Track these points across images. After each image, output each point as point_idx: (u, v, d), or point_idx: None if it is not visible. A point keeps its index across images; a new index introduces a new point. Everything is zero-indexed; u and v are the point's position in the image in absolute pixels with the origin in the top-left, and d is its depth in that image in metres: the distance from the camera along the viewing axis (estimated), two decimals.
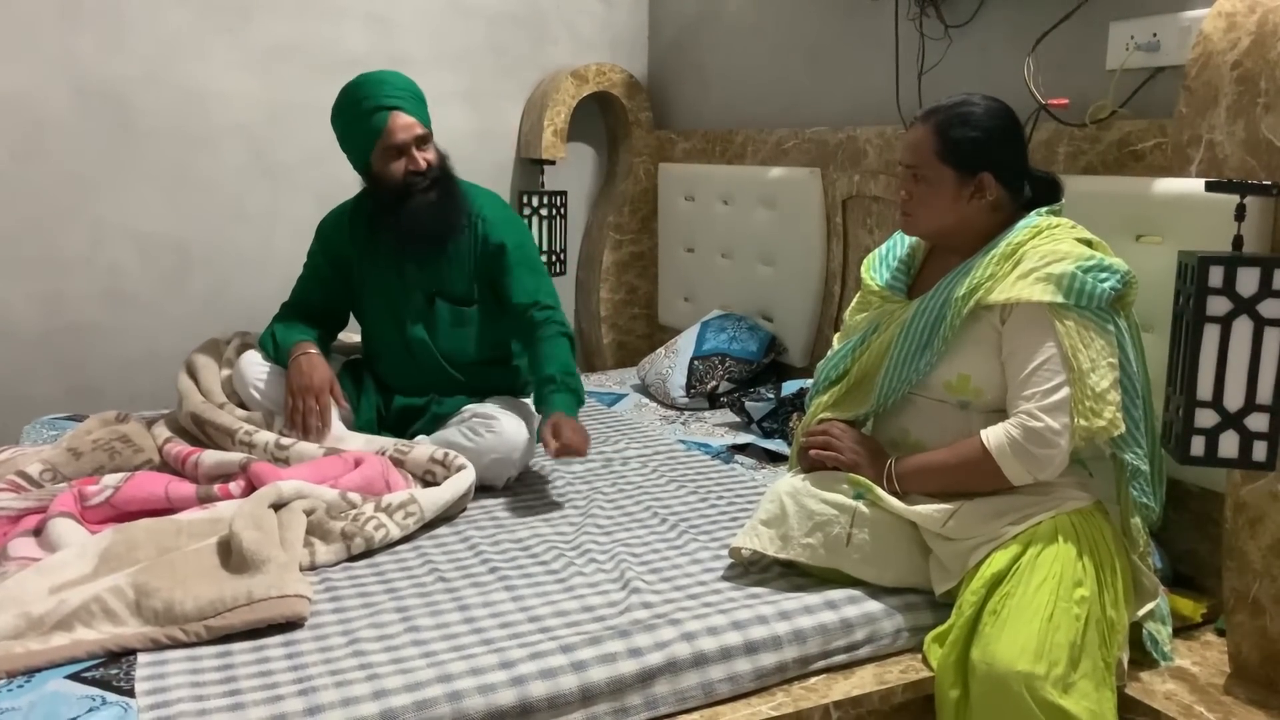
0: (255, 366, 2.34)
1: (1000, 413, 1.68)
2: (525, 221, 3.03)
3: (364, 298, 2.45)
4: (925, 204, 1.74)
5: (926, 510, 1.68)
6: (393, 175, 2.28)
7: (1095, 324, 1.59)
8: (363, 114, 2.25)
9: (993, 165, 1.70)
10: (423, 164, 2.28)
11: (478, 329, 2.41)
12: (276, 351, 2.35)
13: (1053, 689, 1.44)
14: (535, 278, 2.38)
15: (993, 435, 1.63)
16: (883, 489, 1.73)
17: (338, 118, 2.32)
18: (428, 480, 2.13)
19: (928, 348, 1.73)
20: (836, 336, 1.96)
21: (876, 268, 1.90)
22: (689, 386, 2.95)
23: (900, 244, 1.91)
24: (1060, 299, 1.58)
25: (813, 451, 1.81)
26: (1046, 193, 1.77)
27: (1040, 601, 1.50)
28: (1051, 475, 1.62)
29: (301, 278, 2.51)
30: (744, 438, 2.61)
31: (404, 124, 2.25)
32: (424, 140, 2.29)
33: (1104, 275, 1.59)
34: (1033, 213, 1.72)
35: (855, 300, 1.94)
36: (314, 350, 2.31)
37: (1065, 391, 1.58)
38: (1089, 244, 1.66)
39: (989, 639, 1.50)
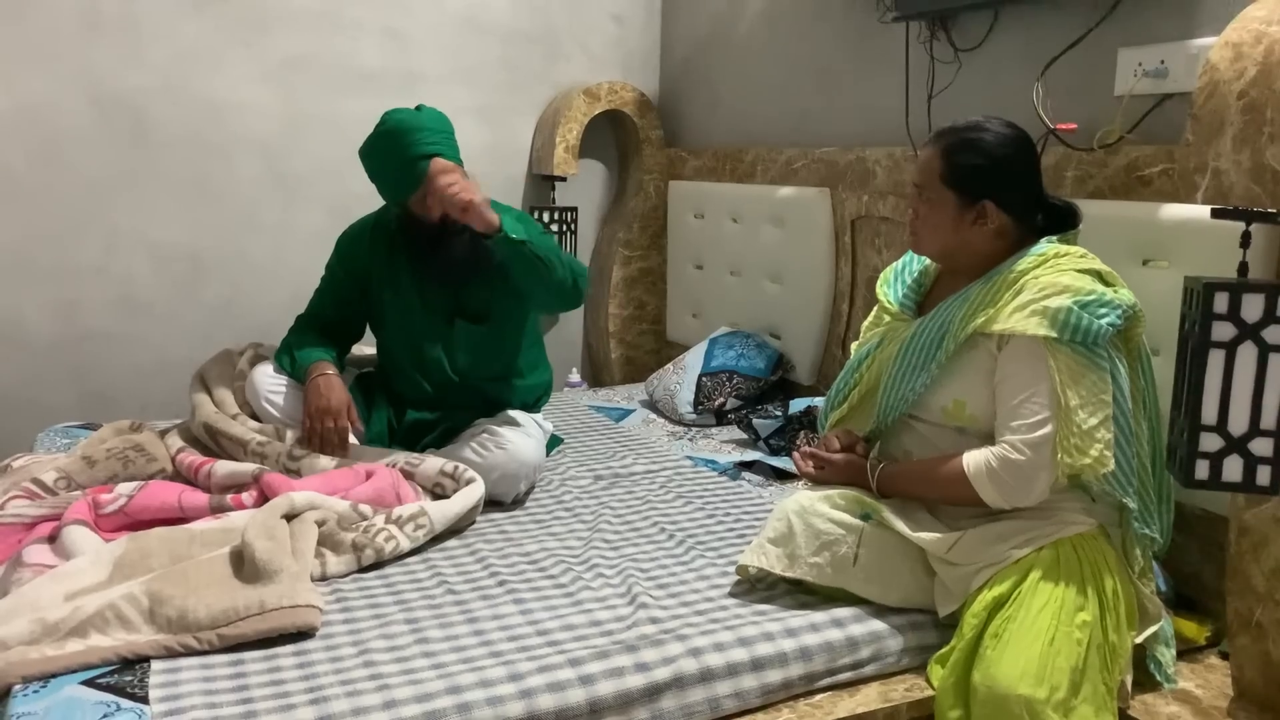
0: (269, 379, 2.36)
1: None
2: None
3: (382, 315, 2.45)
4: (929, 225, 1.76)
5: (931, 536, 1.69)
6: (431, 216, 2.29)
7: (1089, 361, 1.57)
8: (405, 163, 2.23)
9: (996, 193, 1.70)
10: None
11: (498, 345, 2.43)
12: (294, 368, 2.35)
13: (1053, 713, 1.44)
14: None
15: (972, 461, 1.64)
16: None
17: (373, 159, 2.30)
18: (437, 493, 2.15)
19: (923, 369, 1.74)
20: (854, 345, 1.99)
21: (891, 284, 1.92)
22: (697, 403, 2.96)
23: (914, 261, 1.92)
24: (1054, 334, 1.57)
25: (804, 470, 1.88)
26: (1061, 221, 1.75)
27: (1041, 625, 1.51)
28: (1030, 504, 1.63)
29: (319, 290, 2.51)
30: (751, 455, 2.62)
31: (444, 170, 2.24)
32: None
33: (1103, 311, 1.57)
34: (1043, 240, 1.71)
35: (872, 314, 1.97)
36: (332, 371, 2.31)
37: (1049, 429, 1.58)
38: (1098, 275, 1.64)
39: (990, 662, 1.50)
